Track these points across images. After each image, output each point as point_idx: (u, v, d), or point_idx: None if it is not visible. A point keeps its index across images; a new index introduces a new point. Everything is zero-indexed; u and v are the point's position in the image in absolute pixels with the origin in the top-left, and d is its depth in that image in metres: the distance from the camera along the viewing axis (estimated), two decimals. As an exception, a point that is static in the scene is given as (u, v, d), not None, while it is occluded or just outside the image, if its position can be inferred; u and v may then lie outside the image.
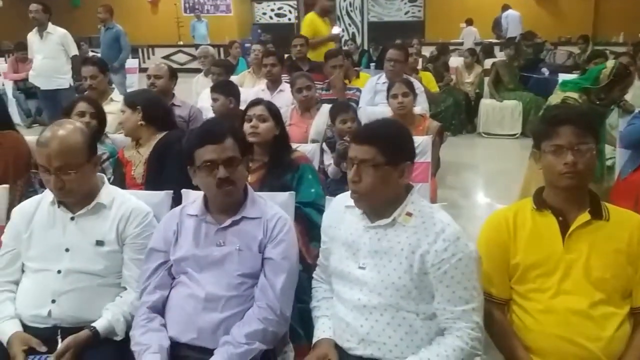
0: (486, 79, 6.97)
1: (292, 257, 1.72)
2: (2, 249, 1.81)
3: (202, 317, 1.60)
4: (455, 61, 7.60)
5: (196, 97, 4.90)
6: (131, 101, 2.62)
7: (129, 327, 1.71)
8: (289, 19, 14.73)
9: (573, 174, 1.55)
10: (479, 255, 1.53)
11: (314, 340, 1.66)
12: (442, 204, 1.90)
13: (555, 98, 3.35)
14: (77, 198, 1.77)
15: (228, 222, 1.71)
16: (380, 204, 1.59)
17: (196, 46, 13.05)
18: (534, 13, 12.51)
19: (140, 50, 13.47)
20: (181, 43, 14.10)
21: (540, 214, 1.64)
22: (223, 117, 3.20)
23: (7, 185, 2.16)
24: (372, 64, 7.52)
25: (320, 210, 2.35)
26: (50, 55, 5.48)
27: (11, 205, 2.11)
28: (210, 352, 1.56)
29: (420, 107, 3.76)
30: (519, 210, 1.68)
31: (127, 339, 1.71)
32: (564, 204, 1.61)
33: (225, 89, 3.39)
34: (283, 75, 4.61)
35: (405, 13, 14.23)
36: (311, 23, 5.42)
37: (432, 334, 1.51)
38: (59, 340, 1.64)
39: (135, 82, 7.59)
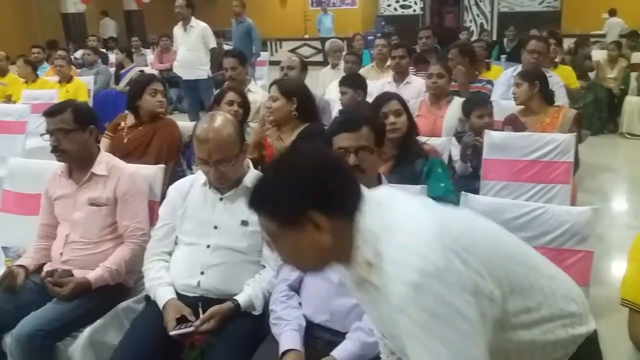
0: (633, 74, 6.30)
1: None
2: (159, 223, 2.01)
3: (335, 300, 1.65)
4: (596, 54, 6.97)
5: (322, 88, 5.03)
6: (288, 91, 2.73)
7: (265, 303, 1.82)
8: (414, 10, 14.49)
9: None
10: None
11: None
12: (594, 207, 1.77)
13: None
14: (230, 184, 1.91)
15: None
16: None
17: (321, 39, 13.38)
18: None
19: (269, 44, 14.08)
20: (307, 36, 14.51)
21: None
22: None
23: (163, 165, 2.39)
24: (503, 56, 7.15)
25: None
26: (192, 48, 5.90)
27: (163, 184, 2.34)
28: (342, 335, 1.61)
29: (561, 102, 3.50)
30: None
31: (262, 315, 1.83)
32: None
33: (353, 83, 3.43)
34: (409, 68, 4.58)
35: (540, 2, 13.30)
36: None
37: None
38: (200, 310, 1.79)
39: (265, 74, 7.95)
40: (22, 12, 11.80)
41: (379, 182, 1.80)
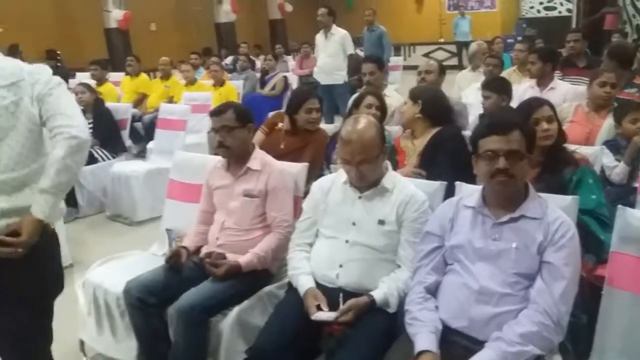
0: None
1: (574, 264, 1.64)
2: (303, 216, 2.15)
3: (474, 308, 1.64)
4: None
5: (458, 92, 4.94)
6: (414, 94, 2.79)
7: (400, 302, 1.86)
8: (559, 12, 13.54)
9: None
10: None
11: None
12: None
13: None
14: (369, 183, 2.00)
15: (505, 218, 1.71)
16: None
17: (457, 43, 13.08)
18: None
19: (402, 48, 14.09)
20: (442, 40, 14.26)
21: None
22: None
23: (307, 164, 2.55)
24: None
25: (600, 220, 2.17)
26: (331, 54, 6.14)
27: (307, 181, 2.50)
28: (479, 342, 1.59)
29: None
30: None
31: (395, 313, 1.87)
32: None
33: (498, 87, 3.32)
34: (556, 73, 4.32)
35: None
36: None
37: None
38: (341, 301, 1.88)
39: (398, 79, 7.98)
40: (183, 22, 13.15)
41: (526, 191, 1.75)
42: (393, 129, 3.32)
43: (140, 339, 2.22)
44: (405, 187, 2.02)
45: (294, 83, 7.85)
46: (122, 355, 2.35)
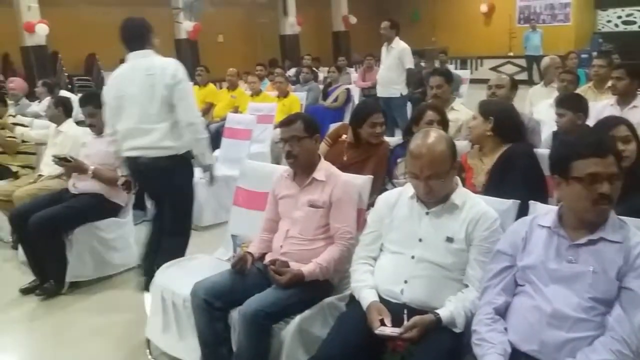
0: None
1: None
2: (367, 229, 2.13)
3: (546, 331, 1.58)
4: None
5: (529, 107, 4.78)
6: (485, 110, 2.69)
7: (467, 322, 1.80)
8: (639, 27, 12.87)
9: None
10: None
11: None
12: None
13: None
14: (438, 199, 1.96)
15: (583, 240, 1.63)
16: None
17: (526, 57, 12.69)
18: None
19: (469, 62, 13.84)
20: (511, 54, 13.89)
21: None
22: (569, 134, 3.03)
23: (372, 177, 2.54)
24: None
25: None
26: (389, 67, 6.13)
27: (370, 194, 2.48)
28: (551, 368, 1.53)
29: None
30: None
31: (461, 333, 1.81)
32: None
33: (573, 104, 3.17)
34: (638, 90, 4.09)
35: None
36: None
37: None
38: (405, 317, 1.84)
39: (465, 92, 7.82)
40: (249, 33, 13.55)
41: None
42: (461, 144, 3.24)
43: (202, 343, 2.26)
44: (476, 204, 1.97)
45: (356, 95, 7.87)
46: (186, 356, 2.42)
